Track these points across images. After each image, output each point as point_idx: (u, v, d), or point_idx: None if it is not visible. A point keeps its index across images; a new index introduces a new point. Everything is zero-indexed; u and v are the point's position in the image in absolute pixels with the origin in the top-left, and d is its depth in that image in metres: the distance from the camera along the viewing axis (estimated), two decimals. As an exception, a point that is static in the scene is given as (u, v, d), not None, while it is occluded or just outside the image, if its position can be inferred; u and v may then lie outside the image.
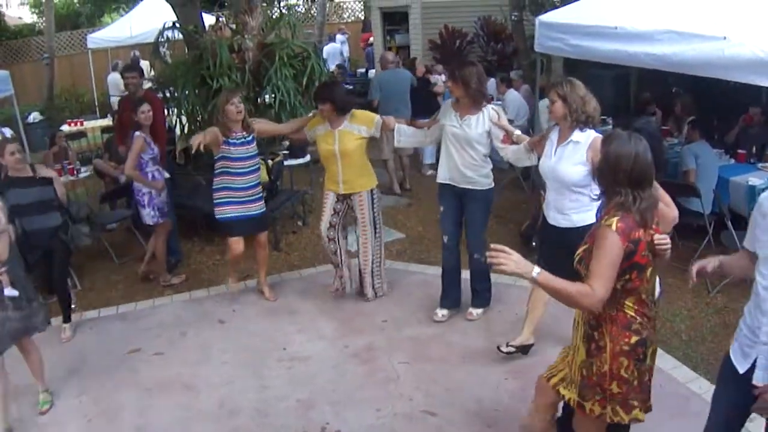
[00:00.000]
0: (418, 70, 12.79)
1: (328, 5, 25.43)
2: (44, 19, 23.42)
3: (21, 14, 28.87)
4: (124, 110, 8.56)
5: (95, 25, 23.98)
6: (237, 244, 6.91)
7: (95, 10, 26.88)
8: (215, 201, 6.77)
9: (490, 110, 6.12)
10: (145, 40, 14.36)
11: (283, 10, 24.22)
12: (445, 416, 5.19)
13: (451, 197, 6.40)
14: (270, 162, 9.14)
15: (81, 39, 21.62)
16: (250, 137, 6.69)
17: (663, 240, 3.57)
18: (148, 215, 7.52)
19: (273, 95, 8.63)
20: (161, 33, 9.28)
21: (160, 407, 5.55)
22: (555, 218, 5.33)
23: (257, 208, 6.89)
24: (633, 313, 3.53)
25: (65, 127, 15.52)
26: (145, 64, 13.38)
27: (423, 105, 10.85)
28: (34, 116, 18.02)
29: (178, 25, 9.39)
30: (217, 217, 6.82)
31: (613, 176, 3.42)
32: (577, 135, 5.06)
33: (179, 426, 5.30)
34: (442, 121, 6.29)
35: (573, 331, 3.81)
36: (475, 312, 6.65)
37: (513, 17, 13.94)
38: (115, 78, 16.13)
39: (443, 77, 12.24)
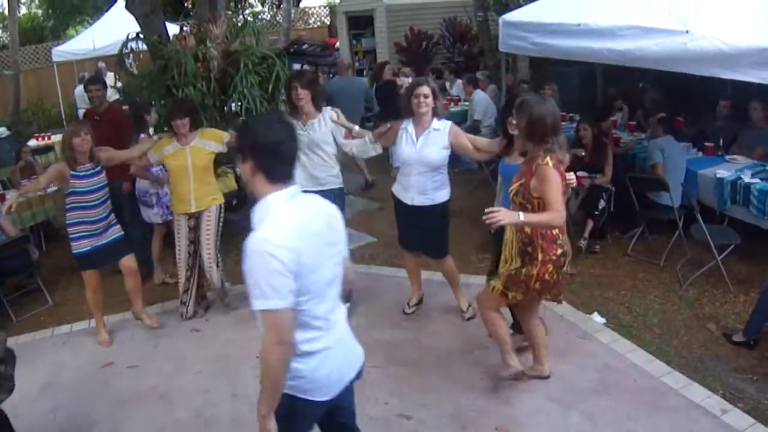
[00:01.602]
0: (385, 74, 12.77)
1: (293, 11, 25.39)
2: (8, 33, 23.18)
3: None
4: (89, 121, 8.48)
5: (60, 38, 23.82)
6: (92, 276, 6.73)
7: (59, 23, 26.68)
8: (71, 236, 6.56)
9: (328, 111, 6.49)
10: (110, 52, 14.26)
11: (248, 18, 24.36)
12: (420, 419, 5.18)
13: None
14: (238, 170, 9.09)
15: (46, 52, 21.48)
16: (99, 168, 6.55)
17: (569, 177, 4.78)
18: (156, 214, 7.78)
19: (239, 103, 8.57)
20: (125, 44, 9.18)
21: (136, 419, 5.51)
22: (419, 200, 6.11)
23: (114, 232, 6.71)
24: (557, 231, 4.65)
25: (32, 142, 15.35)
26: (111, 76, 13.29)
27: (391, 108, 10.84)
28: (1, 131, 17.81)
29: (141, 35, 9.29)
30: (73, 252, 6.63)
31: (541, 131, 4.47)
32: (436, 123, 5.95)
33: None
34: None
35: (503, 250, 4.93)
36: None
37: (478, 17, 14.00)
38: (81, 91, 15.91)
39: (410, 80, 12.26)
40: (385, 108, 11.20)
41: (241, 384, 5.82)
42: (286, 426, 3.23)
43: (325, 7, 27.61)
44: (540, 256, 4.64)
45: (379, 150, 6.34)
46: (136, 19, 9.54)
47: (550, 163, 4.43)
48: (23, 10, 29.35)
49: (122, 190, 7.93)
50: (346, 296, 3.52)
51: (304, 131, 6.37)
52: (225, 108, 9.00)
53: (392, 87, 11.98)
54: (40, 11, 28.66)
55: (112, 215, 6.74)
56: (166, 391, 5.84)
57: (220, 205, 6.94)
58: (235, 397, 5.68)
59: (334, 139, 6.50)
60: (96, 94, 8.28)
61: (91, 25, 20.82)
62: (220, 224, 6.96)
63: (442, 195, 6.14)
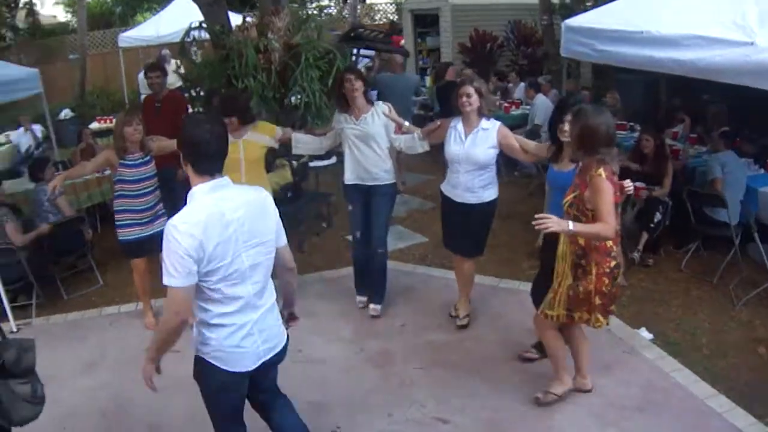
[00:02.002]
0: (448, 74, 12.69)
1: (359, 7, 25.38)
2: (78, 17, 23.62)
3: (55, 12, 29.12)
4: (147, 108, 8.59)
5: (128, 24, 24.13)
6: (141, 263, 6.87)
7: (128, 9, 27.07)
8: (117, 223, 6.72)
9: (381, 105, 6.63)
10: (174, 40, 14.35)
11: (314, 11, 24.45)
12: (456, 423, 5.15)
13: (360, 196, 6.78)
14: (295, 163, 9.12)
15: (113, 38, 21.81)
16: (148, 158, 6.64)
17: (627, 184, 4.78)
18: None
19: (299, 97, 8.58)
20: (187, 32, 9.26)
21: (175, 405, 5.54)
22: (466, 197, 6.14)
23: (160, 224, 6.66)
24: (610, 243, 4.59)
25: (95, 124, 15.65)
26: (174, 63, 13.42)
27: (451, 108, 10.78)
28: (66, 113, 18.15)
29: (204, 24, 9.36)
30: (119, 239, 6.75)
31: (593, 141, 4.41)
32: (485, 123, 5.96)
33: (191, 424, 5.27)
34: (339, 127, 6.73)
35: (557, 264, 4.84)
36: (378, 308, 6.91)
37: (542, 21, 13.85)
38: (143, 77, 16.13)
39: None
40: (446, 108, 11.11)
41: (279, 376, 5.81)
42: (213, 396, 3.88)
43: (391, 4, 27.49)
44: (594, 270, 4.62)
45: (427, 147, 6.46)
46: (200, 8, 9.62)
47: (604, 174, 4.40)
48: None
49: (175, 176, 8.00)
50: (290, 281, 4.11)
51: (357, 125, 6.52)
52: (285, 101, 9.01)
53: (453, 87, 11.90)
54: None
55: (160, 206, 6.83)
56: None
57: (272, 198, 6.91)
58: (281, 388, 5.65)
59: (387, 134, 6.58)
60: (156, 80, 8.39)
61: (158, 12, 21.04)
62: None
63: (490, 194, 6.17)
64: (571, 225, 4.33)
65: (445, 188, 6.36)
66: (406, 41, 20.37)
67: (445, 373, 5.80)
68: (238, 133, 6.65)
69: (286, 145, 7.20)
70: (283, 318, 4.11)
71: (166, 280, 3.38)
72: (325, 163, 10.09)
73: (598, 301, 4.67)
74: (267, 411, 4.29)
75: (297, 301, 4.36)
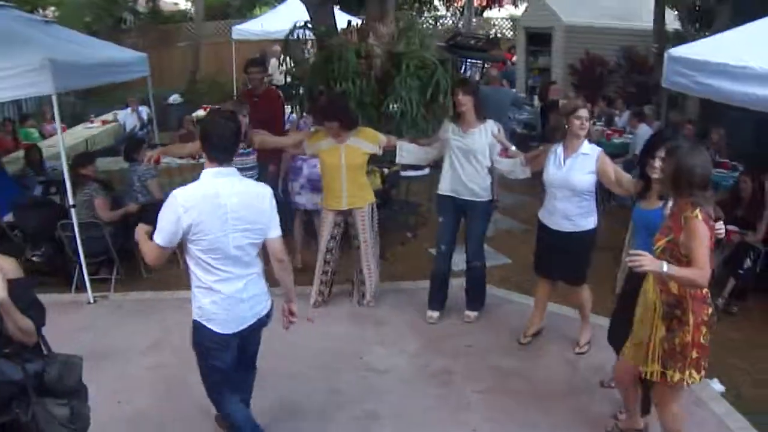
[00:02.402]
0: (551, 93, 12.54)
1: (475, 20, 25.27)
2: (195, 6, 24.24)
3: (177, 0, 29.92)
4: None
5: (245, 17, 24.59)
6: None
7: (246, 3, 27.58)
8: None
9: (491, 124, 6.56)
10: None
11: (429, 21, 24.46)
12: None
13: (452, 209, 6.76)
14: (386, 170, 9.11)
15: (227, 29, 22.24)
16: (249, 150, 6.69)
17: (719, 227, 4.37)
18: (304, 200, 8.08)
19: (396, 105, 8.56)
20: (291, 31, 9.38)
21: None
22: (561, 224, 5.97)
23: None
24: (706, 289, 4.26)
25: (200, 112, 15.95)
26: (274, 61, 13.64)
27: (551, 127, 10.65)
28: (174, 98, 18.68)
29: (310, 25, 9.45)
30: None
31: (688, 183, 4.12)
32: (585, 148, 5.79)
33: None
34: (445, 136, 6.66)
35: (644, 313, 4.50)
36: (472, 314, 6.99)
37: (654, 49, 13.53)
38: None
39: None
40: (547, 127, 10.97)
41: (337, 380, 5.83)
42: (204, 356, 4.38)
43: (507, 20, 27.31)
44: (692, 320, 4.24)
45: (528, 174, 6.39)
46: (307, 8, 9.73)
47: (700, 217, 4.09)
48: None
49: (267, 171, 8.10)
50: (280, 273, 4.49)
51: (463, 138, 6.51)
52: (382, 108, 8.98)
53: (556, 107, 11.75)
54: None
55: None
56: (262, 372, 5.92)
57: (373, 204, 6.99)
58: (328, 392, 5.71)
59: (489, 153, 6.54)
60: (256, 76, 8.50)
61: (275, 7, 21.39)
62: (375, 222, 7.06)
63: (588, 222, 5.98)
64: (665, 267, 4.03)
65: (542, 214, 6.21)
66: (518, 58, 20.24)
67: (505, 401, 5.67)
68: (340, 138, 6.69)
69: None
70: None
71: (155, 235, 4.05)
72: (418, 173, 10.04)
73: (695, 354, 4.27)
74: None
75: (294, 299, 4.76)
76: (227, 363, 4.40)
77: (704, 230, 4.08)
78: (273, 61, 15.76)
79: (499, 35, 26.64)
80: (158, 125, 12.16)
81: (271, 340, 6.44)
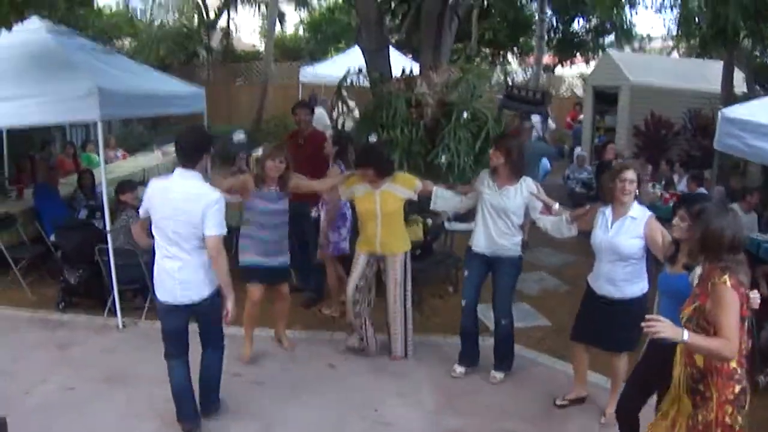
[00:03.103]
0: (607, 153, 12.34)
1: (544, 75, 25.16)
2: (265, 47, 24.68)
3: (255, 41, 30.49)
4: (290, 143, 8.75)
5: (316, 59, 24.89)
6: (255, 290, 6.78)
7: (318, 47, 27.96)
8: (240, 246, 6.79)
9: (528, 182, 6.42)
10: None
11: (499, 74, 24.43)
12: None
13: (479, 264, 6.63)
14: (430, 221, 8.98)
15: (295, 70, 22.48)
16: (282, 195, 6.64)
17: (754, 295, 4.07)
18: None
19: (444, 156, 8.47)
20: (345, 77, 9.41)
21: None
22: (606, 289, 5.68)
23: (281, 262, 6.81)
24: (735, 365, 3.92)
25: (261, 151, 16.08)
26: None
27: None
28: (239, 135, 18.79)
29: (365, 71, 9.48)
30: (238, 262, 6.75)
31: (717, 246, 3.91)
32: (635, 211, 5.53)
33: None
34: (480, 189, 6.51)
35: (673, 389, 4.22)
36: (498, 375, 6.74)
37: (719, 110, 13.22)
38: (320, 113, 16.44)
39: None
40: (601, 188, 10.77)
41: (346, 429, 5.73)
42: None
43: (578, 78, 27.14)
44: (715, 396, 3.94)
45: (574, 232, 6.21)
46: (363, 54, 9.77)
47: (729, 283, 3.81)
48: (290, 30, 31.27)
49: (308, 213, 8.08)
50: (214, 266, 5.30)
51: (497, 195, 6.39)
52: (429, 157, 8.89)
53: (609, 167, 11.55)
54: (304, 33, 30.20)
55: (286, 242, 6.84)
56: (270, 415, 5.89)
57: (407, 253, 6.87)
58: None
59: (526, 212, 6.45)
60: (303, 118, 8.50)
61: (344, 52, 21.58)
62: (408, 270, 6.90)
63: (635, 290, 5.63)
64: (686, 335, 3.73)
65: (590, 277, 5.94)
66: (585, 117, 20.06)
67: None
68: (376, 184, 6.63)
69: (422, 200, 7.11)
70: None
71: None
72: (463, 227, 9.84)
73: None
74: None
75: (231, 296, 5.40)
76: (169, 327, 5.53)
77: (732, 297, 3.80)
78: (318, 111, 15.96)
79: (568, 93, 26.57)
80: (219, 161, 12.25)
81: (286, 381, 6.47)
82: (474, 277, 6.65)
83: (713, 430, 3.93)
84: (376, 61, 9.48)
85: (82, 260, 8.11)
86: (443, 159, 8.37)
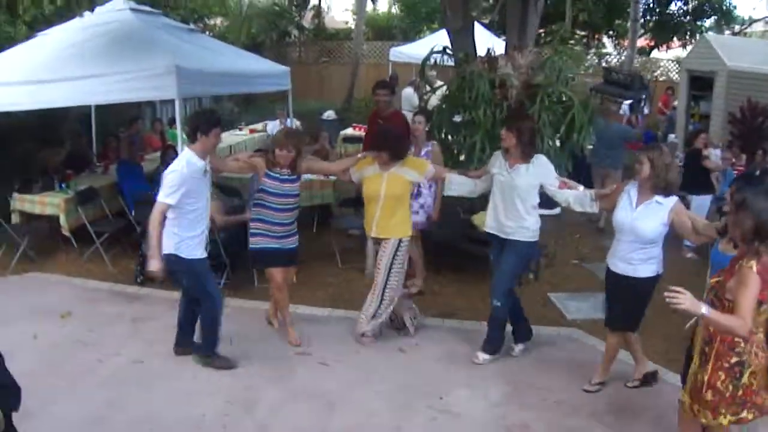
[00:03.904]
0: (698, 141, 11.89)
1: (637, 58, 24.43)
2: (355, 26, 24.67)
3: (347, 18, 30.45)
4: (370, 123, 8.69)
5: (409, 39, 24.74)
6: (276, 273, 6.71)
7: (411, 26, 27.75)
8: (250, 231, 6.69)
9: (541, 159, 6.39)
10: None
11: (594, 56, 23.87)
12: None
13: (498, 247, 6.52)
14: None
15: (386, 50, 22.39)
16: (295, 177, 6.54)
17: None
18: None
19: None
20: (429, 56, 9.25)
21: (292, 413, 5.64)
22: (621, 267, 5.69)
23: (290, 243, 6.71)
24: (739, 339, 4.09)
25: (349, 130, 16.12)
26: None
27: (692, 177, 10.03)
28: (329, 114, 18.92)
29: (449, 50, 9.31)
30: (249, 247, 6.70)
31: (752, 230, 4.01)
32: (658, 197, 5.47)
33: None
34: (492, 170, 6.46)
35: (695, 347, 4.47)
36: (482, 357, 6.59)
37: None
38: (408, 93, 16.30)
39: (719, 152, 11.48)
40: (689, 177, 10.35)
41: (406, 418, 5.61)
42: None
43: (674, 62, 26.19)
44: (712, 361, 4.23)
45: (595, 209, 6.27)
46: (448, 33, 9.61)
47: (754, 268, 3.98)
48: (383, 8, 31.17)
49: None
50: None
51: (507, 174, 6.30)
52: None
53: (699, 156, 11.13)
54: (398, 11, 30.01)
55: (294, 225, 6.76)
56: (333, 398, 5.87)
57: (400, 240, 6.69)
58: (393, 429, 5.49)
59: (542, 190, 6.36)
60: (383, 98, 8.39)
61: (435, 32, 21.37)
62: (396, 258, 6.70)
63: (647, 270, 5.63)
64: (704, 309, 3.93)
65: (608, 256, 5.94)
66: (679, 103, 19.36)
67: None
68: (386, 166, 6.58)
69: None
70: None
71: None
72: (549, 212, 9.56)
73: (709, 396, 4.22)
74: None
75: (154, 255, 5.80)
76: None
77: (754, 281, 3.99)
78: (407, 91, 15.83)
79: (663, 78, 25.73)
80: (309, 139, 12.28)
81: (356, 367, 6.40)
82: (498, 261, 6.54)
83: (704, 391, 4.23)
84: (461, 41, 9.32)
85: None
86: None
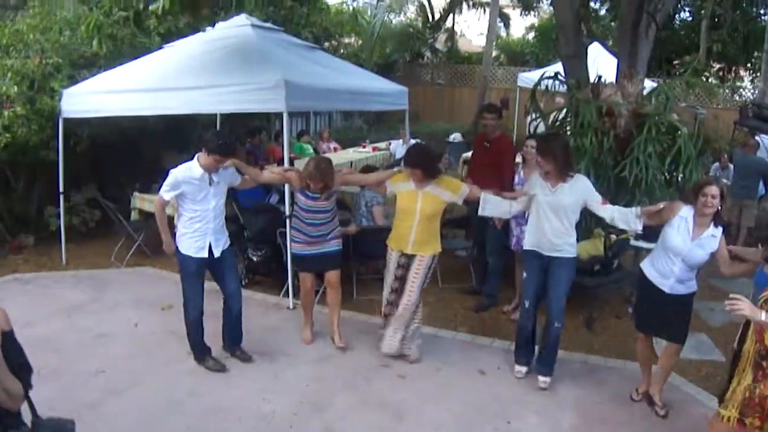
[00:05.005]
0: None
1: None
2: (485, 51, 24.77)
3: (482, 42, 30.56)
4: (477, 146, 8.79)
5: (542, 65, 24.62)
6: (306, 279, 7.14)
7: (545, 53, 27.60)
8: (291, 237, 7.20)
9: (580, 178, 6.47)
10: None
11: (726, 90, 23.12)
12: None
13: (537, 264, 6.53)
14: (613, 237, 8.61)
15: (515, 75, 22.44)
16: (325, 195, 6.82)
17: None
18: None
19: (631, 167, 8.14)
20: (539, 82, 9.30)
21: (360, 419, 5.82)
22: (675, 288, 5.94)
23: (331, 245, 7.05)
24: None
25: (469, 153, 16.19)
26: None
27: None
28: (455, 137, 19.11)
29: (561, 76, 9.32)
30: (291, 251, 7.27)
31: None
32: (713, 229, 5.75)
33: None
34: (533, 192, 6.48)
35: (740, 362, 4.53)
36: (545, 380, 6.60)
37: None
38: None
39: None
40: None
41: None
42: None
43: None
44: None
45: (638, 227, 6.25)
46: (561, 59, 9.61)
47: None
48: (518, 33, 31.24)
49: (488, 220, 8.03)
50: None
51: (551, 194, 6.35)
52: (617, 169, 8.51)
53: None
54: (533, 38, 29.94)
55: (335, 231, 7.10)
56: (397, 409, 5.96)
57: (434, 255, 6.77)
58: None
59: (586, 207, 6.44)
60: (489, 121, 8.42)
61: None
62: (429, 274, 6.79)
63: (692, 286, 6.04)
64: (763, 315, 4.14)
65: (652, 275, 6.10)
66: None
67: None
68: (421, 183, 6.63)
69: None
70: None
71: None
72: (651, 245, 9.33)
73: None
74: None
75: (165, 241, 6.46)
76: None
77: None
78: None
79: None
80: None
81: (427, 385, 6.48)
82: (534, 279, 6.56)
83: (765, 404, 4.28)
84: (573, 67, 9.30)
85: (264, 241, 8.62)
86: (630, 173, 8.06)
